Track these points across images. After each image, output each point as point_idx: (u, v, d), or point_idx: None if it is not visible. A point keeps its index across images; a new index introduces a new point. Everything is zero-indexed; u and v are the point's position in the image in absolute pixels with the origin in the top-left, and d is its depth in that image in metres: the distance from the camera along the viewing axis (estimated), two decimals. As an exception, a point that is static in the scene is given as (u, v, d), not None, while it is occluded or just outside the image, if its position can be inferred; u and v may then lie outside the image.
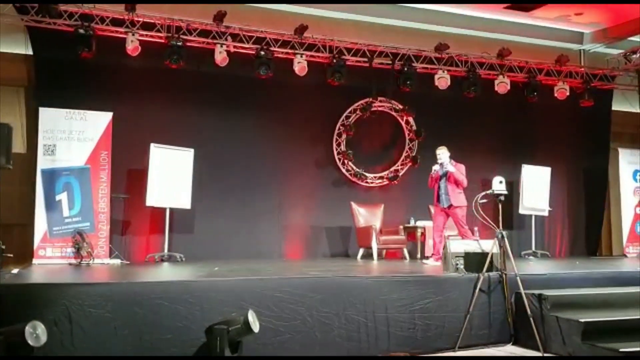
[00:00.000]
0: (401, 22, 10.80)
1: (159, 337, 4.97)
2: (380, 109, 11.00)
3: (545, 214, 11.45)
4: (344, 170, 10.77)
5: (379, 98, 10.82)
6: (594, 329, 5.49)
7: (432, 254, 8.49)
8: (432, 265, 8.12)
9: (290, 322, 5.37)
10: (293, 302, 5.42)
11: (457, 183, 8.24)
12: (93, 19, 8.83)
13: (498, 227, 6.33)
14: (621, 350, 5.13)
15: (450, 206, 8.25)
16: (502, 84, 10.96)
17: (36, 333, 4.29)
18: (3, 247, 7.12)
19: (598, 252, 12.27)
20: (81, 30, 8.64)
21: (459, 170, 8.31)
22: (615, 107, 12.43)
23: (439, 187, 8.37)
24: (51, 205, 8.43)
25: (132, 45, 8.92)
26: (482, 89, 10.90)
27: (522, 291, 5.96)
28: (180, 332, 5.03)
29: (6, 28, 8.73)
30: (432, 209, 8.80)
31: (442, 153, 8.44)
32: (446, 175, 8.29)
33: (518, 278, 6.00)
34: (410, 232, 10.12)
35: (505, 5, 10.45)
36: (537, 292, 6.01)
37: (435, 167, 8.43)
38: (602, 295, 6.28)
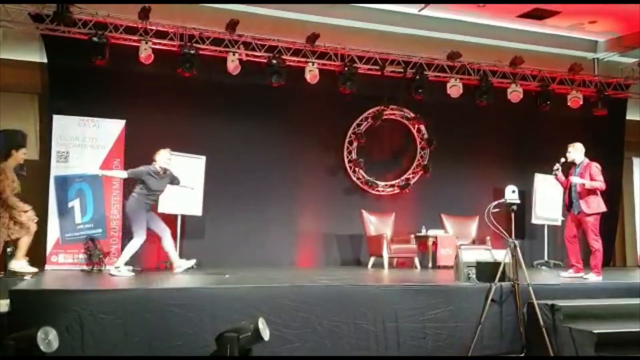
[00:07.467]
0: (413, 31, 10.76)
1: (169, 343, 4.98)
2: (391, 117, 10.98)
3: (558, 223, 11.32)
4: (354, 178, 10.75)
5: (391, 106, 10.79)
6: (607, 340, 5.43)
7: (571, 265, 7.62)
8: (571, 277, 7.44)
9: (300, 331, 5.36)
10: (303, 311, 5.41)
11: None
12: (107, 27, 8.90)
13: (510, 236, 6.28)
14: (635, 362, 5.08)
15: (580, 212, 7.31)
16: (515, 93, 10.90)
17: (48, 339, 4.29)
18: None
19: (612, 263, 12.13)
20: (95, 39, 8.70)
21: (591, 173, 7.27)
22: (629, 116, 12.31)
23: (570, 190, 7.39)
24: (64, 211, 8.48)
25: (145, 54, 8.98)
26: (495, 98, 10.84)
27: (535, 301, 5.91)
28: (191, 339, 5.03)
29: (21, 36, 8.84)
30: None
31: (572, 152, 7.43)
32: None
33: (530, 288, 5.96)
34: (422, 241, 10.05)
35: (518, 13, 10.41)
36: (549, 302, 5.96)
37: (556, 167, 7.35)
38: (615, 306, 6.22)
